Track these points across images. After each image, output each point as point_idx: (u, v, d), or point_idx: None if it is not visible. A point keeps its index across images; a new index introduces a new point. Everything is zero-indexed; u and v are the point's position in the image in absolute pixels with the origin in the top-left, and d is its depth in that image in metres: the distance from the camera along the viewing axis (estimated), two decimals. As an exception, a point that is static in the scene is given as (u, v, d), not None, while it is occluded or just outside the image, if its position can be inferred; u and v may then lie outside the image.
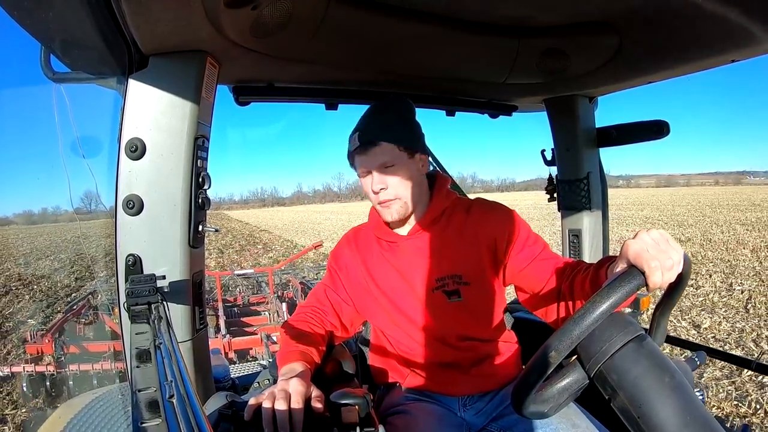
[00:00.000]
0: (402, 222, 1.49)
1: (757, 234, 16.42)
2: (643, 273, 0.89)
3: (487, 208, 1.52)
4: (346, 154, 1.49)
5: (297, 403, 1.05)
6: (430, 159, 2.04)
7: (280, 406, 1.03)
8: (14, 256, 27.21)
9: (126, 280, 1.27)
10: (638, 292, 0.91)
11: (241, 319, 7.25)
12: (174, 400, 0.63)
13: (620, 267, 0.96)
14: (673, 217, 26.30)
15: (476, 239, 1.45)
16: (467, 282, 1.44)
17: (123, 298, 1.21)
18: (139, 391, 0.65)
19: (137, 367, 0.73)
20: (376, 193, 1.42)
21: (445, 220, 1.50)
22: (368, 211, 1.59)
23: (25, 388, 5.21)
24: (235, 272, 9.47)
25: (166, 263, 1.34)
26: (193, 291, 1.41)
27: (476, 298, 1.45)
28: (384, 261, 1.52)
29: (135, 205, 1.29)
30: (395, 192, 1.41)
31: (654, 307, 1.07)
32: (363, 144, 1.40)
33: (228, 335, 5.94)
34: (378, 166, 1.41)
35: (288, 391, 1.07)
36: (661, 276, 0.88)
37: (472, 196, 1.61)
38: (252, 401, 1.06)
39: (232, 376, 1.95)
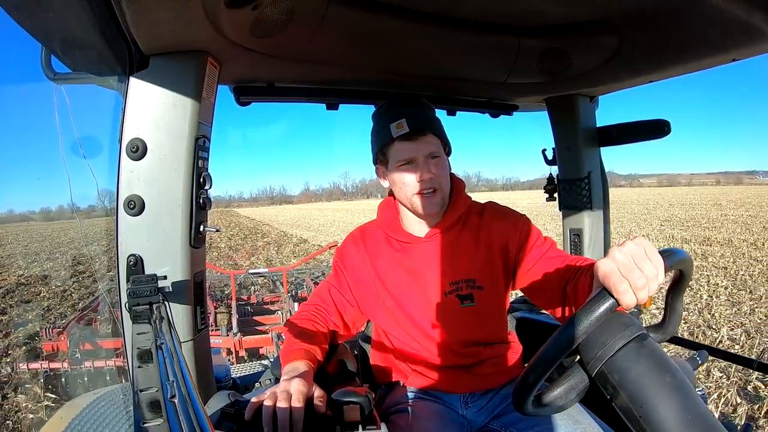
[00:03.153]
0: (431, 217, 1.47)
1: (668, 229, 18.38)
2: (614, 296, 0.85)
3: (500, 212, 1.52)
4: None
5: (298, 402, 1.04)
6: None
7: (281, 405, 1.03)
8: (64, 243, 32.15)
9: (127, 281, 1.27)
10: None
11: (254, 318, 7.27)
12: (176, 400, 0.63)
13: (594, 287, 0.94)
14: (618, 214, 28.11)
15: (490, 243, 1.46)
16: (481, 286, 1.44)
17: (124, 298, 1.21)
18: (141, 391, 0.65)
19: (139, 367, 0.73)
20: (424, 180, 1.39)
21: (461, 224, 1.49)
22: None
23: (42, 384, 5.28)
24: (249, 271, 9.46)
25: (168, 263, 1.34)
26: (194, 291, 1.41)
27: (487, 302, 1.45)
28: (395, 262, 1.50)
29: (136, 206, 1.29)
30: (438, 183, 1.40)
31: (653, 306, 1.07)
32: (413, 131, 1.38)
33: (239, 334, 5.95)
34: (427, 154, 1.39)
35: (289, 390, 1.07)
36: (633, 297, 0.84)
37: (476, 195, 1.61)
38: (253, 400, 1.06)
39: (233, 375, 1.95)
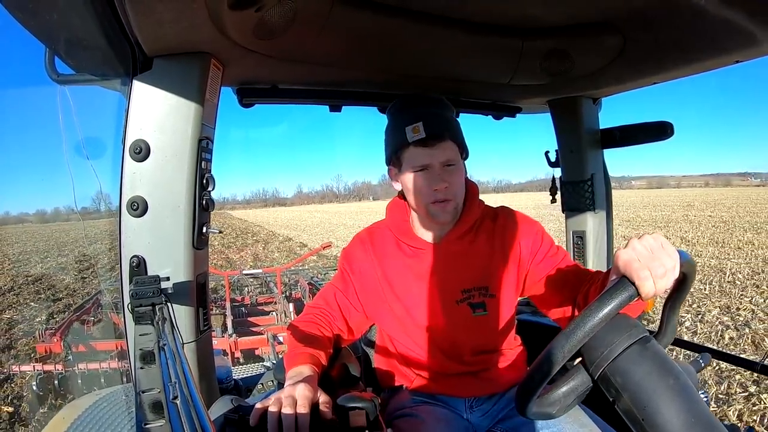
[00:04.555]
0: (443, 225, 1.43)
1: (622, 228, 19.74)
2: (634, 283, 0.86)
3: (513, 218, 1.48)
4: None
5: (303, 408, 1.03)
6: None
7: (286, 411, 1.01)
8: (69, 243, 34.08)
9: (130, 282, 1.27)
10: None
11: (249, 318, 7.24)
12: (178, 402, 0.63)
13: (613, 278, 0.94)
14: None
15: (504, 250, 1.43)
16: (493, 294, 1.42)
17: (127, 299, 1.21)
18: (143, 392, 0.65)
19: (141, 368, 0.73)
20: (437, 189, 1.34)
21: (475, 231, 1.46)
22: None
23: (35, 387, 5.25)
24: (243, 271, 9.42)
25: (170, 265, 1.34)
26: (197, 292, 1.41)
27: (498, 310, 1.43)
28: (405, 267, 1.46)
29: (139, 207, 1.29)
30: (453, 192, 1.35)
31: (659, 306, 1.07)
32: (430, 137, 1.32)
33: (234, 335, 5.94)
34: (443, 161, 1.34)
35: (294, 396, 1.05)
36: (653, 285, 0.86)
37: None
38: (258, 406, 1.05)
39: (234, 377, 1.94)
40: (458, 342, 1.43)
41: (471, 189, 1.48)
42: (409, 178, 1.38)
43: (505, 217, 1.48)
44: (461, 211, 1.44)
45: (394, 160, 1.42)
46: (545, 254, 1.40)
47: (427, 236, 1.47)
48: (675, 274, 0.89)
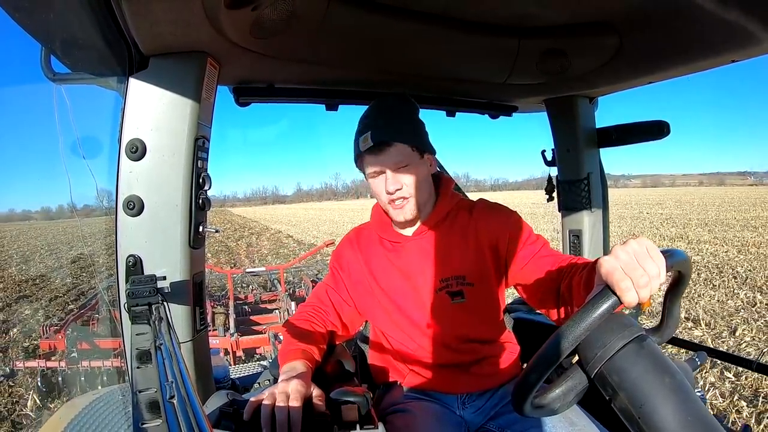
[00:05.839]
0: (408, 222, 1.49)
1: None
2: (616, 293, 0.84)
3: (489, 209, 1.53)
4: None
5: (296, 402, 1.05)
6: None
7: (280, 404, 1.04)
8: (77, 239, 34.78)
9: (126, 281, 1.27)
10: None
11: (251, 317, 7.20)
12: (174, 401, 0.63)
13: (596, 285, 0.94)
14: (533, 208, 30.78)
15: (479, 240, 1.46)
16: (471, 283, 1.45)
17: (123, 298, 1.21)
18: (140, 391, 0.65)
19: (138, 367, 0.73)
20: (390, 193, 1.41)
21: (449, 222, 1.50)
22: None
23: (39, 384, 5.25)
24: (246, 269, 9.40)
25: (167, 264, 1.34)
26: (193, 292, 1.40)
27: (479, 299, 1.46)
28: (387, 261, 1.52)
29: (135, 206, 1.29)
30: (409, 192, 1.41)
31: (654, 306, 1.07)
32: (377, 144, 1.39)
33: (236, 334, 5.92)
34: (392, 166, 1.40)
35: (288, 390, 1.07)
36: (635, 295, 0.83)
37: (469, 196, 1.61)
38: (252, 400, 1.07)
39: (232, 376, 1.95)
40: (442, 329, 1.46)
41: (444, 182, 1.55)
42: (371, 183, 1.47)
43: (482, 208, 1.53)
44: (434, 203, 1.51)
45: (359, 167, 1.50)
46: (524, 242, 1.43)
47: (404, 230, 1.52)
48: (661, 279, 0.86)
